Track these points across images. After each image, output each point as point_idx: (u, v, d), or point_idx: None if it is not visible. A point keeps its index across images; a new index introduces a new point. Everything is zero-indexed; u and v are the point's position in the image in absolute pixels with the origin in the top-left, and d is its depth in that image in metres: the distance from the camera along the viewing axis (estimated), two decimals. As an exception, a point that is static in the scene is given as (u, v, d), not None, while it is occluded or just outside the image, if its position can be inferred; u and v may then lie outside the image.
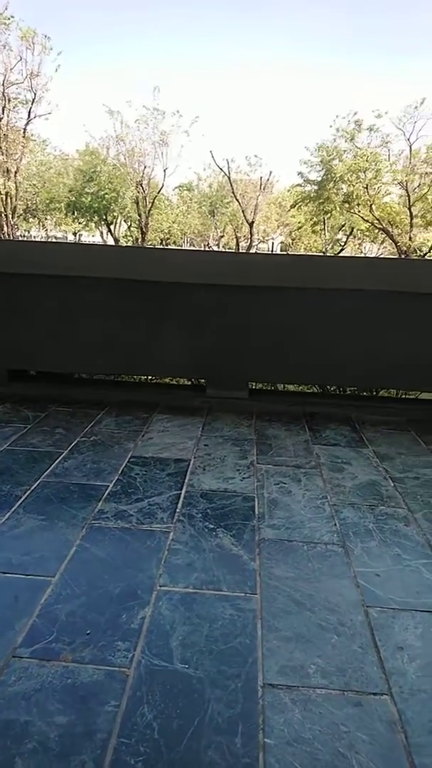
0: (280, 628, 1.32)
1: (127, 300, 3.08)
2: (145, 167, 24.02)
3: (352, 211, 22.43)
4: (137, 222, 25.23)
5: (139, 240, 25.13)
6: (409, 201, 21.13)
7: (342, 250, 27.02)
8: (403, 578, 1.55)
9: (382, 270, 3.08)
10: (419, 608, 1.42)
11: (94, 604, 1.37)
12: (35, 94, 20.18)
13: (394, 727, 1.05)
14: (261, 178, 25.34)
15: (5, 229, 20.69)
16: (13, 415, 2.82)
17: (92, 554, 1.60)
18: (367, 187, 21.26)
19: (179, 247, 26.95)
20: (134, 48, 59.31)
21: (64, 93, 58.60)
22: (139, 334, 3.12)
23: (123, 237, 28.57)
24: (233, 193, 24.82)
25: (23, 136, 20.56)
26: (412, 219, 21.19)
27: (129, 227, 28.05)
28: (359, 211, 22.17)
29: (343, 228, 26.07)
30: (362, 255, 27.06)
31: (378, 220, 21.70)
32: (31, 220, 26.38)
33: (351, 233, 25.92)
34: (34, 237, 28.08)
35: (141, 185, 23.94)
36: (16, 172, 20.55)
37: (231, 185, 24.75)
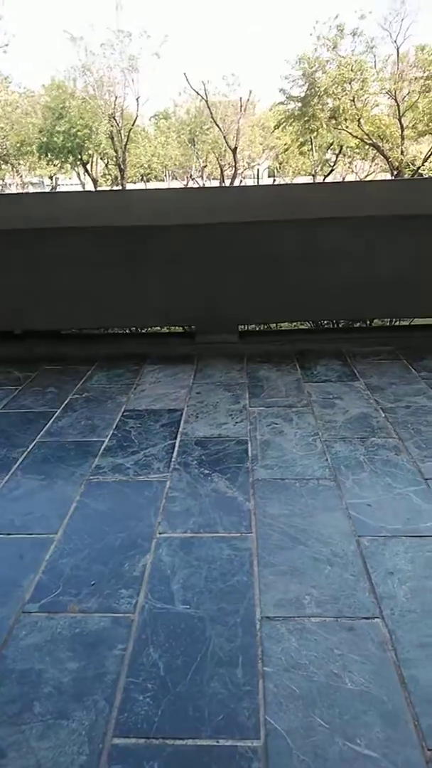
0: (276, 563, 1.38)
1: (102, 248, 2.97)
2: (116, 98, 22.52)
3: (339, 127, 21.15)
4: (114, 159, 23.93)
5: (119, 178, 23.95)
6: (399, 111, 19.88)
7: (332, 171, 25.77)
8: (393, 506, 1.60)
9: (369, 192, 2.95)
10: (409, 534, 1.47)
11: (96, 556, 1.43)
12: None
13: (385, 647, 1.13)
14: (240, 98, 23.71)
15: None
16: (3, 377, 2.81)
17: (92, 509, 1.64)
18: (353, 100, 19.94)
19: (156, 187, 25.67)
20: (90, -42, 53.70)
21: (21, 20, 53.96)
22: (120, 283, 3.04)
23: (102, 176, 27.20)
24: (212, 117, 23.28)
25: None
26: (402, 131, 20.03)
27: (107, 165, 26.63)
28: (347, 127, 20.90)
29: (332, 146, 24.68)
30: (353, 174, 25.84)
31: (367, 135, 20.53)
32: (3, 167, 25.00)
33: (340, 151, 24.55)
34: (9, 185, 26.73)
35: (114, 118, 22.51)
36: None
37: (209, 109, 23.17)
